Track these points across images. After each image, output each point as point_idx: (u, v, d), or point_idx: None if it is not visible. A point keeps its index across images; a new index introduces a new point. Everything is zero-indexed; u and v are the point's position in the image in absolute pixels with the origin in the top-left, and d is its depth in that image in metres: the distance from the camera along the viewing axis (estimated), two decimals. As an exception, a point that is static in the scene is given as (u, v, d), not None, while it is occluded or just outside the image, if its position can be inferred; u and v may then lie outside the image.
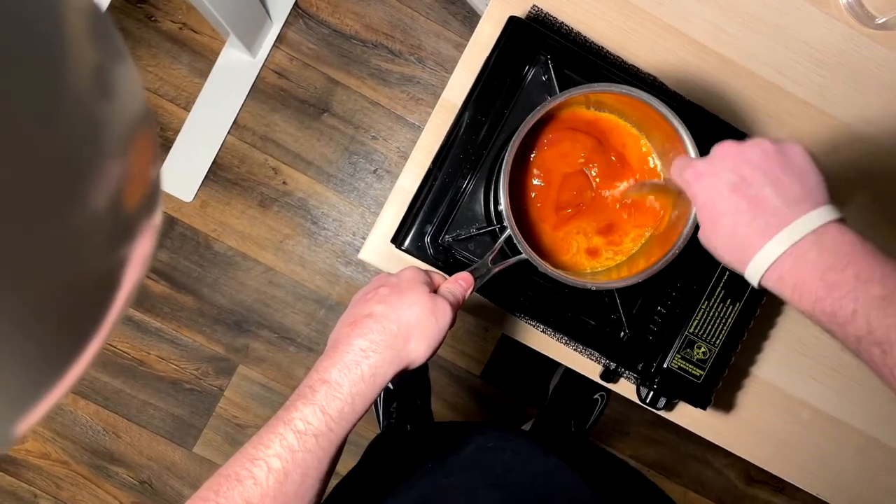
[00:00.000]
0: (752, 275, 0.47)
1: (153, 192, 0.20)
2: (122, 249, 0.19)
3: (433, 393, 1.55)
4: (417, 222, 0.70)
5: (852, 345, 0.42)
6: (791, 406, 0.81)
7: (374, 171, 1.55)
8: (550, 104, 0.61)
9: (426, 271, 0.57)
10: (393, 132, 1.54)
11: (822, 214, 0.44)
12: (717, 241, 0.49)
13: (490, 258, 0.62)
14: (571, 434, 1.46)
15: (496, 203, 0.68)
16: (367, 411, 0.50)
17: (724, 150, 0.49)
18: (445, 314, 0.52)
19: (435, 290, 0.56)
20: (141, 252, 0.20)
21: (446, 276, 0.59)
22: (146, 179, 0.20)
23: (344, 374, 0.49)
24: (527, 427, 1.54)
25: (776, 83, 0.79)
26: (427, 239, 0.69)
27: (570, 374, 1.50)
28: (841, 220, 0.45)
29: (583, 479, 0.61)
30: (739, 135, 0.77)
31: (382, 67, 1.54)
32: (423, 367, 1.55)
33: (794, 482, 0.81)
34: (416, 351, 0.51)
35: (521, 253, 0.61)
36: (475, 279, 0.59)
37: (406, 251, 0.70)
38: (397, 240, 0.70)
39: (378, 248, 0.76)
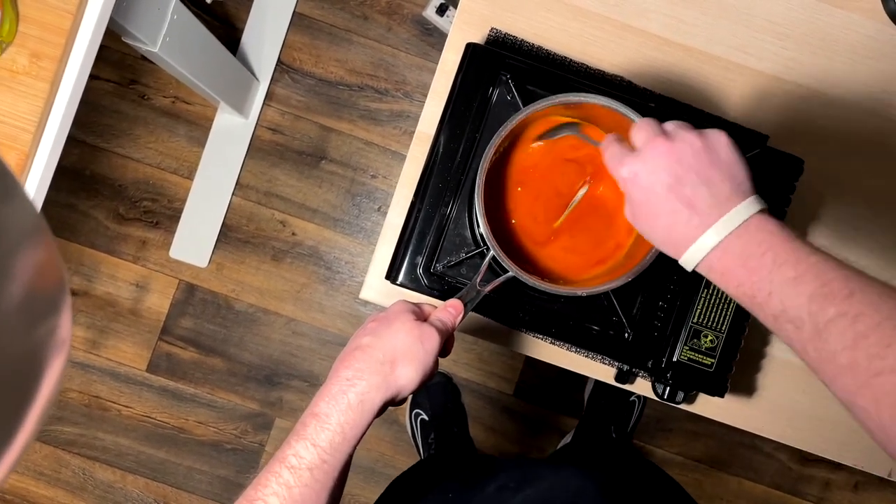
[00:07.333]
0: (687, 264, 0.50)
1: (59, 280, 0.23)
2: (40, 329, 0.22)
3: (470, 418, 1.55)
4: (408, 255, 0.71)
5: (771, 323, 0.46)
6: (813, 380, 0.79)
7: (379, 209, 1.57)
8: (506, 129, 0.62)
9: (416, 303, 0.59)
10: (391, 168, 1.57)
11: (748, 207, 0.48)
12: (654, 235, 0.52)
13: (478, 280, 0.63)
14: (612, 441, 1.45)
15: (478, 225, 0.69)
16: (360, 438, 0.52)
17: (656, 148, 0.50)
18: (432, 339, 0.54)
19: (426, 320, 0.57)
20: (62, 332, 0.22)
21: (437, 306, 0.60)
22: (51, 270, 0.22)
23: (332, 406, 0.51)
24: (567, 438, 1.53)
25: (743, 63, 0.79)
26: (419, 270, 0.71)
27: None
28: (763, 210, 0.48)
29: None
30: (713, 119, 0.77)
31: (371, 107, 1.57)
32: (456, 394, 1.55)
33: (833, 457, 0.80)
34: (405, 376, 0.53)
35: (508, 270, 0.62)
36: (465, 303, 0.60)
37: (401, 285, 0.71)
38: (391, 275, 0.72)
39: (377, 287, 0.78)
